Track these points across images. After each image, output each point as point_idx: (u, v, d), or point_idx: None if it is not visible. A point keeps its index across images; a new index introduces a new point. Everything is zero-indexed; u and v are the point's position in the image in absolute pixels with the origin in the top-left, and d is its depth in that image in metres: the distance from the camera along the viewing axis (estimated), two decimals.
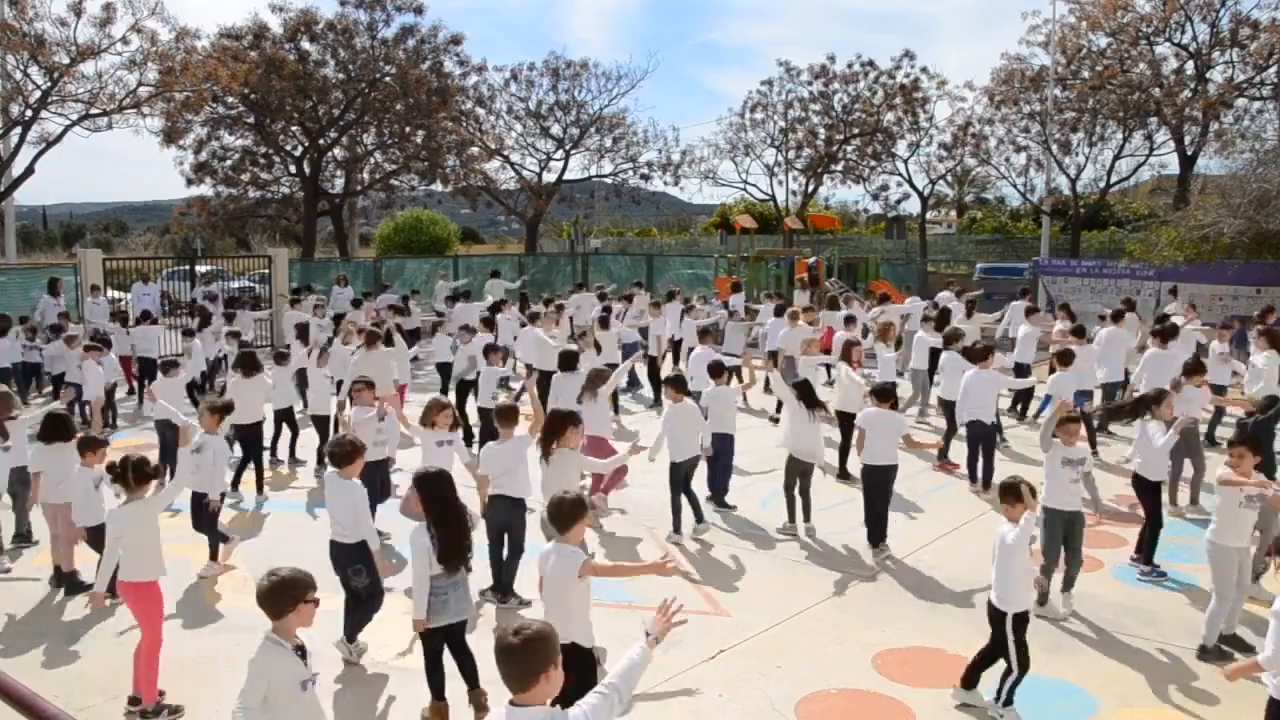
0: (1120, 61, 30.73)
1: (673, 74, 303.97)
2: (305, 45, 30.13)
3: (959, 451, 10.80)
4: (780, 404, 11.99)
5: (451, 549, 5.39)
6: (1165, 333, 11.90)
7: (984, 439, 10.23)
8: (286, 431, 11.40)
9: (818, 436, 8.80)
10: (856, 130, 37.88)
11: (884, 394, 8.43)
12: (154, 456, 6.84)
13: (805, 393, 8.83)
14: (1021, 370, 13.37)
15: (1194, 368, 9.76)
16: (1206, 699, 5.82)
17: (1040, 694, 5.88)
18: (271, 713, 3.91)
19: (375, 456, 8.24)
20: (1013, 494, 5.60)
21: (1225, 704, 5.77)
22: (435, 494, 5.49)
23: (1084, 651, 6.46)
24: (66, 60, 21.40)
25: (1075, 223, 33.03)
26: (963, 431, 10.45)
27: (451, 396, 12.44)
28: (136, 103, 22.81)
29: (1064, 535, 6.98)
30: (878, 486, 8.22)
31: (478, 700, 5.56)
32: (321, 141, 30.70)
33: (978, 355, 10.51)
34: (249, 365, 10.43)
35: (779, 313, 15.40)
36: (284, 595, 3.96)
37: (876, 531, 8.25)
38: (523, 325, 15.83)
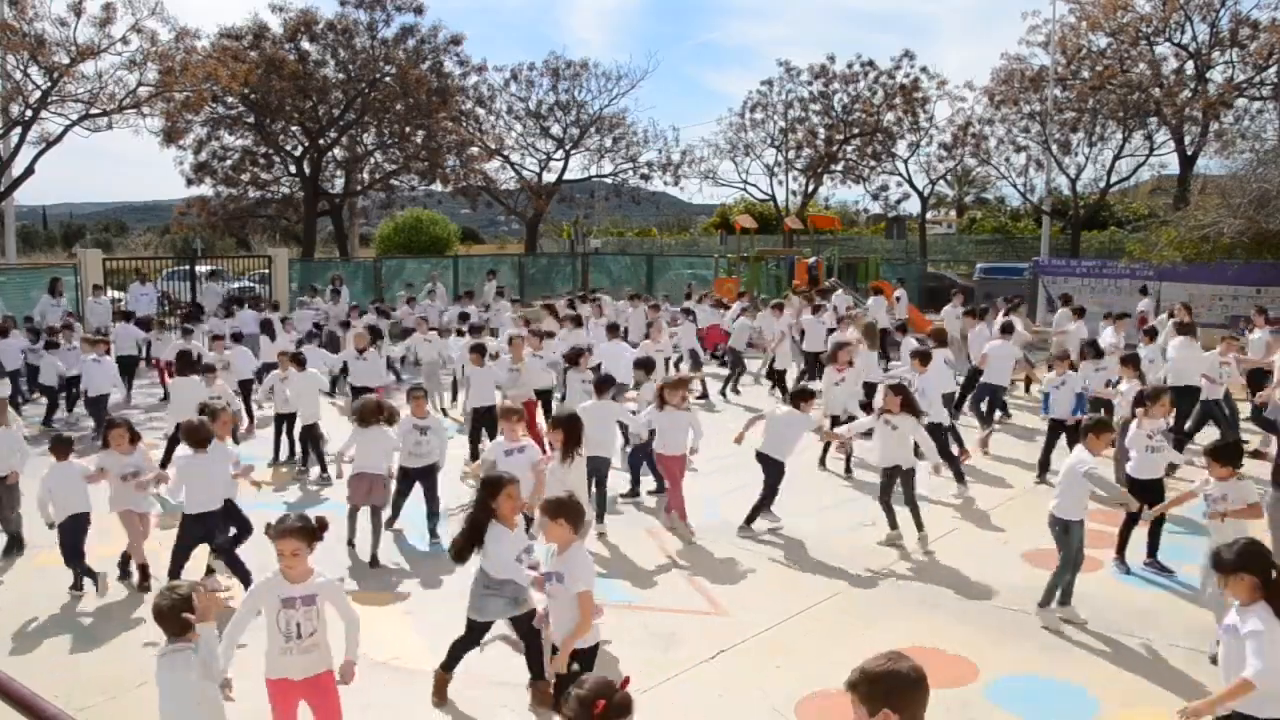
0: (1120, 61, 30.75)
1: (673, 74, 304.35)
2: (305, 45, 30.12)
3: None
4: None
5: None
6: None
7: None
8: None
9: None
10: (856, 130, 37.90)
11: (804, 396, 8.98)
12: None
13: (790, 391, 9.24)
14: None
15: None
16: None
17: (1041, 694, 5.88)
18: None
19: (412, 464, 8.55)
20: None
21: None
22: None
23: (1085, 652, 6.45)
24: (66, 60, 21.38)
25: (1075, 223, 33.04)
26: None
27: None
28: (136, 103, 22.80)
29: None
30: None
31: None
32: (321, 141, 30.70)
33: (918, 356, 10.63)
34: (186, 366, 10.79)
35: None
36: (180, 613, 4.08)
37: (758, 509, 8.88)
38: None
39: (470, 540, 5.44)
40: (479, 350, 11.17)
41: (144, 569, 7.57)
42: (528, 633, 5.60)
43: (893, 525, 8.54)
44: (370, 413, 8.23)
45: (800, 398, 9.09)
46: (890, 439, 8.47)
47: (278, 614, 4.50)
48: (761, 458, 9.00)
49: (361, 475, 8.17)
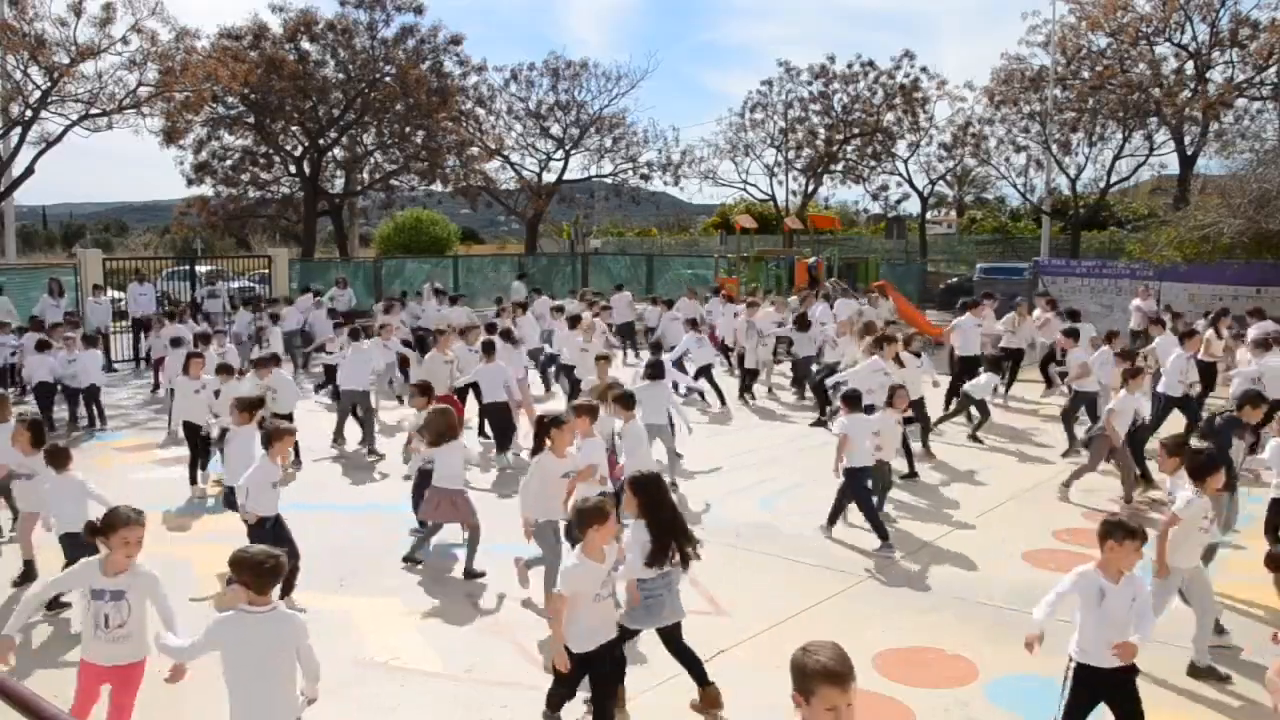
0: (1120, 61, 30.77)
1: (673, 74, 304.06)
2: (305, 45, 30.14)
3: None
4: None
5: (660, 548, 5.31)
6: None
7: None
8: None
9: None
10: (856, 130, 37.93)
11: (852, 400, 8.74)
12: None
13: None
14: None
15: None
16: (1207, 698, 5.82)
17: (1041, 694, 5.88)
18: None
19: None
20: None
21: (1226, 703, 5.77)
22: (652, 496, 5.39)
23: None
24: (66, 60, 21.39)
25: (1075, 223, 33.05)
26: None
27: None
28: (136, 103, 22.81)
29: None
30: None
31: (710, 698, 5.56)
32: (321, 141, 30.70)
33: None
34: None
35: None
36: (280, 573, 4.43)
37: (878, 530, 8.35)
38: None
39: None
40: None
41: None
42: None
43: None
44: (447, 429, 7.98)
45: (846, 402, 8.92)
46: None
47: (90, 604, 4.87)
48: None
49: (440, 490, 7.86)
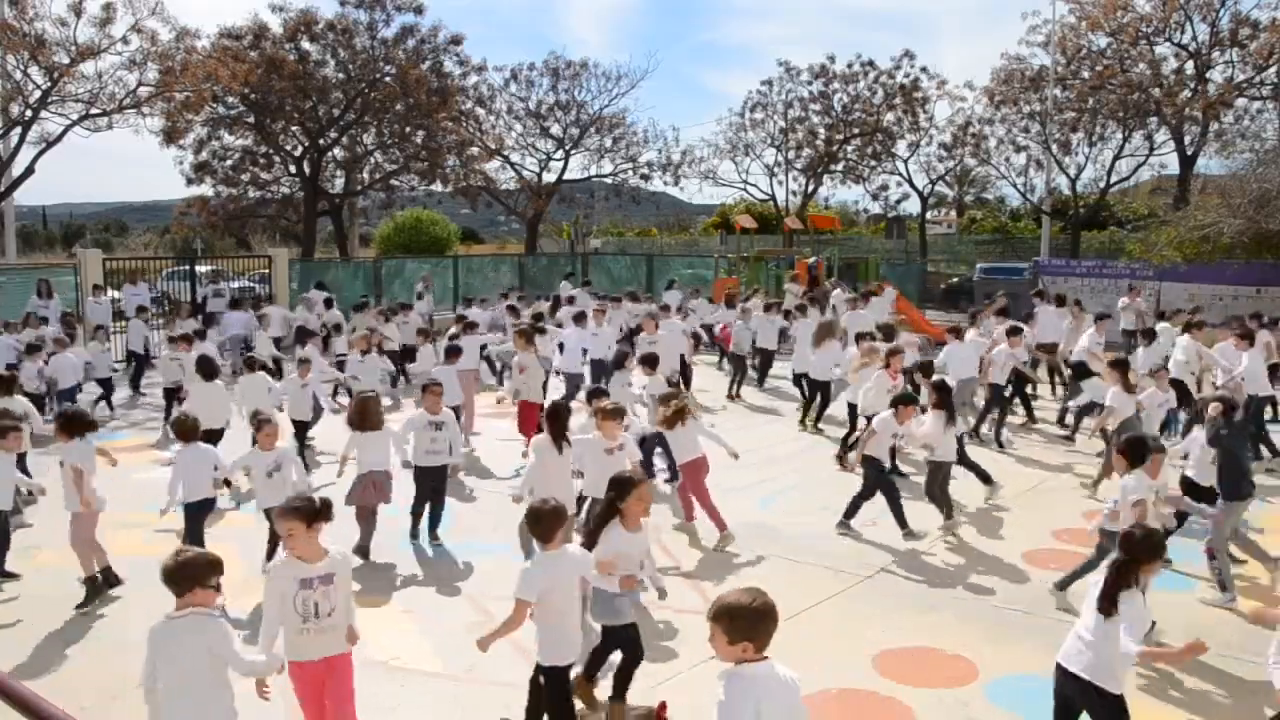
0: (1120, 61, 30.77)
1: (673, 74, 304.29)
2: (305, 45, 30.10)
3: None
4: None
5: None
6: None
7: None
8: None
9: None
10: (856, 130, 37.92)
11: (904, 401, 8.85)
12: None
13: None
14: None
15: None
16: (1207, 698, 5.82)
17: (1041, 694, 5.87)
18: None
19: (429, 463, 8.53)
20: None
21: (1226, 703, 5.77)
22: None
23: None
24: (66, 60, 21.39)
25: (1075, 223, 33.06)
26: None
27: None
28: (136, 103, 22.80)
29: None
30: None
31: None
32: (321, 141, 30.68)
33: None
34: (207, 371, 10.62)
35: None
36: (187, 573, 4.12)
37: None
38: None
39: (594, 538, 5.31)
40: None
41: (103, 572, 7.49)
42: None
43: (950, 515, 8.80)
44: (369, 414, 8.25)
45: (901, 402, 8.82)
46: (950, 434, 8.78)
47: (295, 596, 4.53)
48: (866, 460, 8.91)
49: (363, 476, 8.22)
